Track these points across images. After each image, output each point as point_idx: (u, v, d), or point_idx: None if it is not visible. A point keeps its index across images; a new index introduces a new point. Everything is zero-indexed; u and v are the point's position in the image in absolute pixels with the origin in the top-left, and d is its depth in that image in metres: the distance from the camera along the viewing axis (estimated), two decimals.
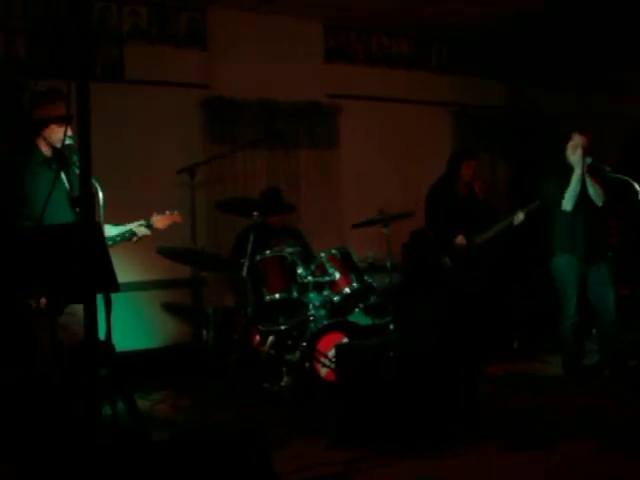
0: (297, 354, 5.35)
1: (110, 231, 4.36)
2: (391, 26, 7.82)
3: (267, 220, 6.16)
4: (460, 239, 6.36)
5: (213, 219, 6.75)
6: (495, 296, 6.80)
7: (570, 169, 5.63)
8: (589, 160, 5.57)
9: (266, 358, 5.47)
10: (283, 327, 5.59)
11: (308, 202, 7.37)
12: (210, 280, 6.69)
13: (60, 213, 3.94)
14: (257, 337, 5.70)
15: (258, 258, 5.49)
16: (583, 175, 5.58)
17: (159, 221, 4.70)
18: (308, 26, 7.48)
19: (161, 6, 6.71)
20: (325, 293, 5.67)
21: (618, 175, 5.52)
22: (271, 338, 5.57)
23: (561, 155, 5.74)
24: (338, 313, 5.70)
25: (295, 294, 5.48)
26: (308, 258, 5.87)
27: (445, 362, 4.41)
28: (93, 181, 2.77)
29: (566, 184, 5.61)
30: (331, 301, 5.64)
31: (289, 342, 5.54)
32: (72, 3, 2.72)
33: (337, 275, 5.62)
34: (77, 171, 3.75)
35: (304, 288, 5.58)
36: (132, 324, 6.08)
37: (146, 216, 4.59)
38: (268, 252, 5.58)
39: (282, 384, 5.32)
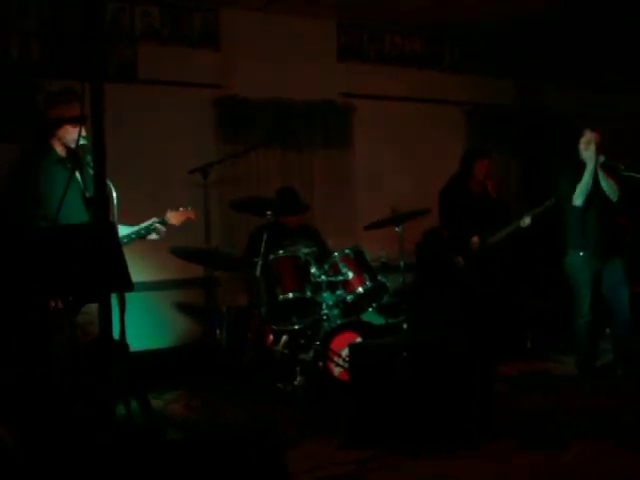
0: (310, 353, 5.35)
1: (124, 230, 4.37)
2: (404, 25, 7.81)
3: (281, 220, 6.16)
4: (475, 239, 6.35)
5: (226, 219, 6.76)
6: (508, 296, 6.78)
7: (582, 166, 5.61)
8: (602, 159, 5.55)
9: (279, 358, 5.47)
10: (296, 326, 5.59)
11: (321, 201, 7.37)
12: (223, 280, 6.70)
13: (75, 213, 3.95)
14: (270, 336, 5.70)
15: (271, 258, 5.49)
16: (595, 171, 5.57)
17: (173, 217, 4.71)
18: (321, 25, 7.48)
19: (173, 7, 6.73)
20: (338, 292, 5.66)
21: (632, 173, 5.50)
22: (284, 337, 5.57)
23: (573, 152, 5.72)
24: (351, 312, 5.69)
25: (308, 293, 5.48)
26: (324, 258, 5.87)
27: (459, 362, 4.39)
28: (107, 181, 2.78)
29: (578, 181, 5.59)
30: (344, 300, 5.63)
31: (302, 341, 5.54)
32: (85, 4, 2.73)
33: (350, 275, 5.62)
34: (91, 171, 3.77)
35: (317, 288, 5.58)
36: (146, 324, 6.10)
37: (161, 215, 4.60)
38: (281, 252, 5.58)
39: (295, 383, 5.32)
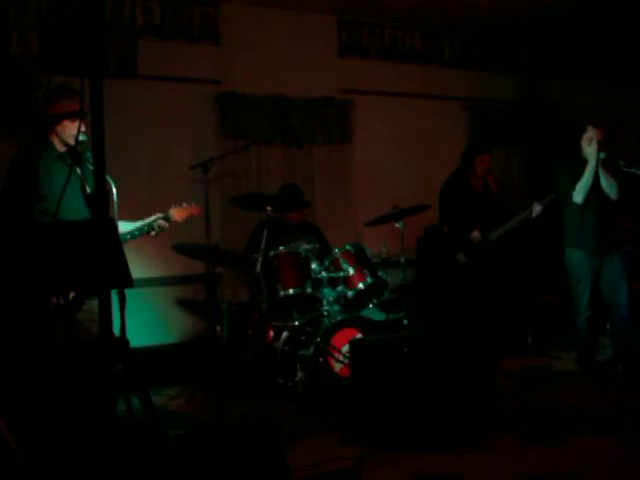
0: (311, 350, 5.35)
1: (127, 227, 4.37)
2: (404, 21, 7.80)
3: (282, 216, 6.16)
4: (475, 234, 6.35)
5: (227, 215, 6.76)
6: (509, 291, 6.78)
7: (583, 162, 5.60)
8: (603, 155, 5.53)
9: (280, 354, 5.47)
10: (297, 323, 5.59)
11: (322, 197, 7.37)
12: (224, 276, 6.71)
13: (75, 209, 3.95)
14: (271, 333, 5.71)
15: (272, 254, 5.49)
16: (596, 168, 5.56)
17: (177, 214, 4.70)
18: (322, 21, 7.47)
19: (174, 1, 6.72)
20: (339, 289, 5.66)
21: (633, 169, 5.49)
22: (285, 334, 5.57)
23: (575, 148, 5.71)
24: (352, 308, 5.69)
25: (309, 290, 5.47)
26: (326, 254, 5.87)
27: (460, 357, 4.39)
28: (107, 177, 2.77)
29: (579, 177, 5.59)
30: (345, 296, 5.63)
31: (303, 338, 5.54)
32: None
33: (351, 271, 5.61)
34: (91, 167, 3.76)
35: (318, 284, 5.58)
36: (147, 320, 6.11)
37: (162, 211, 4.60)
38: (282, 248, 5.58)
39: (296, 380, 5.32)
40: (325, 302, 5.61)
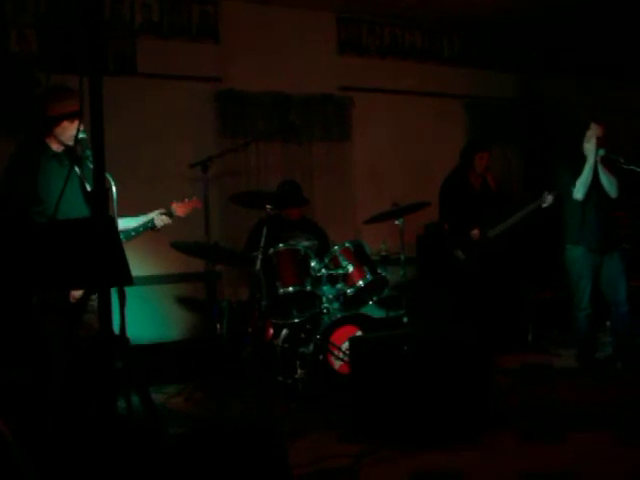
0: (311, 347, 5.35)
1: (130, 223, 4.38)
2: (403, 18, 7.80)
3: (282, 213, 6.16)
4: (475, 232, 6.35)
5: (227, 212, 6.76)
6: (509, 288, 6.78)
7: (584, 159, 5.60)
8: (602, 152, 5.53)
9: (280, 351, 5.48)
10: (297, 320, 5.59)
11: (321, 195, 7.37)
12: (224, 274, 6.71)
13: (75, 209, 3.95)
14: (271, 330, 5.71)
15: (271, 251, 5.49)
16: (596, 165, 5.56)
17: (179, 208, 4.71)
18: (321, 18, 7.48)
19: None
20: (339, 286, 5.66)
21: (632, 166, 5.49)
22: (285, 331, 5.58)
23: (575, 145, 5.71)
24: (352, 306, 5.69)
25: (309, 287, 5.47)
26: (326, 250, 5.87)
27: (459, 355, 4.40)
28: (106, 175, 2.78)
29: (579, 174, 5.59)
30: (345, 294, 5.63)
31: (303, 335, 5.54)
32: None
33: (350, 268, 5.61)
34: (90, 166, 3.76)
35: (318, 281, 5.58)
36: (146, 318, 6.11)
37: (162, 207, 4.61)
38: (281, 245, 5.58)
39: (296, 377, 5.32)
40: (325, 299, 5.61)
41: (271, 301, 5.49)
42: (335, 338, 5.37)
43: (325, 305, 5.60)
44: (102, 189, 2.61)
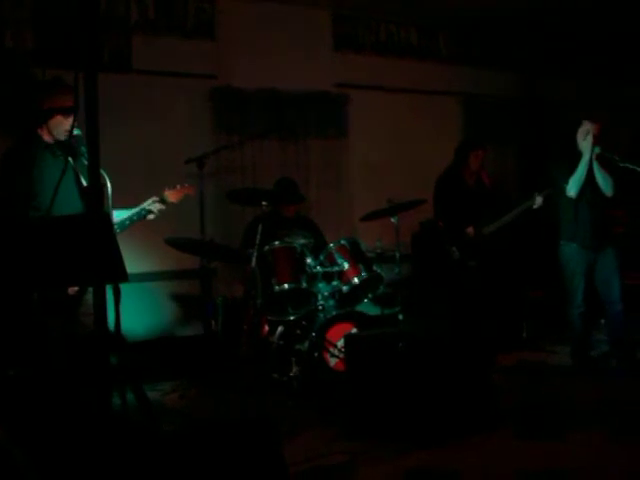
0: (306, 344, 5.35)
1: (123, 214, 4.37)
2: (400, 15, 7.79)
3: (278, 210, 6.16)
4: (470, 230, 6.35)
5: (222, 209, 6.75)
6: (504, 286, 6.79)
7: (579, 157, 5.61)
8: (597, 150, 5.53)
9: (275, 348, 5.48)
10: (292, 317, 5.59)
11: (317, 192, 7.37)
12: (219, 271, 6.70)
13: (70, 203, 3.94)
14: (266, 327, 5.71)
15: (267, 248, 5.48)
16: (591, 162, 5.56)
17: (172, 195, 4.71)
18: (317, 15, 7.46)
19: None
20: (334, 283, 5.66)
21: (627, 164, 5.49)
22: (280, 328, 5.57)
23: (570, 143, 5.71)
24: (347, 303, 5.70)
25: (304, 284, 5.47)
26: (322, 246, 5.87)
27: (455, 352, 4.40)
28: (101, 172, 2.77)
29: (573, 171, 5.59)
30: (340, 291, 5.64)
31: (298, 332, 5.54)
32: None
33: (346, 265, 5.61)
34: (85, 162, 3.75)
35: (313, 278, 5.58)
36: (141, 315, 6.10)
37: (155, 197, 4.61)
38: (277, 242, 5.57)
39: (291, 374, 5.33)
40: (320, 297, 5.61)
41: (266, 298, 5.49)
42: (330, 335, 5.38)
43: (320, 302, 5.61)
44: (97, 185, 2.61)
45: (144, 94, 6.50)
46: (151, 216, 4.51)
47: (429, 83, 8.03)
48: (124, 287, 3.28)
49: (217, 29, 6.93)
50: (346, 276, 5.62)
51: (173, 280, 6.68)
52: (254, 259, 5.17)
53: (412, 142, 7.84)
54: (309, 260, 5.56)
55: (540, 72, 8.60)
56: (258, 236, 5.16)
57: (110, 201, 3.49)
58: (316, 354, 5.30)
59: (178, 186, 4.78)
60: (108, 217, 2.95)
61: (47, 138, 4.12)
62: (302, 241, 5.77)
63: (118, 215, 4.29)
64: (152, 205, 4.49)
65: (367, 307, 5.82)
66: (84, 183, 4.02)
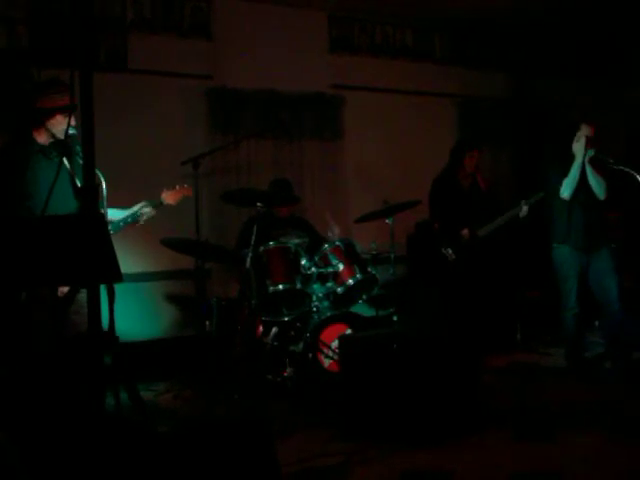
0: (300, 345, 5.35)
1: (117, 214, 4.37)
2: (395, 17, 7.80)
3: (273, 210, 6.15)
4: (465, 231, 6.36)
5: (217, 210, 6.75)
6: (498, 288, 6.79)
7: (573, 159, 5.61)
8: (591, 152, 5.54)
9: (269, 349, 5.47)
10: (286, 318, 5.59)
11: (312, 193, 7.37)
12: (214, 271, 6.69)
13: (64, 203, 3.93)
14: (260, 328, 5.70)
15: (261, 249, 5.48)
16: (584, 164, 5.57)
17: (169, 197, 4.70)
18: (312, 16, 7.47)
19: None
20: (329, 284, 5.66)
21: (621, 167, 5.49)
22: (274, 329, 5.56)
23: (564, 146, 5.72)
24: (341, 304, 5.69)
25: (299, 285, 5.47)
26: (318, 245, 5.87)
27: (448, 354, 4.40)
28: (96, 171, 2.76)
29: (567, 174, 5.60)
30: (334, 292, 5.63)
31: (292, 333, 5.54)
32: None
33: (341, 266, 5.61)
34: (80, 161, 3.75)
35: (308, 279, 5.58)
36: (136, 315, 6.08)
37: (153, 200, 4.60)
38: (272, 243, 5.57)
39: (285, 375, 5.32)
40: (314, 298, 5.61)
41: (261, 299, 5.48)
42: (325, 336, 5.37)
43: (315, 303, 5.61)
44: (92, 185, 2.61)
45: (140, 93, 6.49)
46: (141, 221, 4.49)
47: (424, 85, 8.04)
48: (119, 287, 3.28)
49: (213, 29, 6.93)
50: (341, 277, 5.62)
51: (168, 280, 6.67)
52: (249, 260, 5.17)
53: (407, 143, 7.84)
54: (304, 261, 5.56)
55: (535, 74, 8.62)
56: (253, 237, 5.16)
57: (105, 201, 3.49)
58: (310, 355, 5.30)
59: (177, 187, 4.78)
60: (102, 217, 2.95)
61: (42, 139, 4.11)
62: (297, 241, 5.77)
63: (113, 215, 4.29)
64: (142, 210, 4.48)
65: (361, 308, 5.82)
66: (79, 184, 4.01)
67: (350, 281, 5.59)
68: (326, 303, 5.69)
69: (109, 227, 3.87)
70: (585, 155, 5.54)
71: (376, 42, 7.90)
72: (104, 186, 3.53)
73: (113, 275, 2.74)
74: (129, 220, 4.40)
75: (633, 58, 8.48)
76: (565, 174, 5.60)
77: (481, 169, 6.72)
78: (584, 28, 7.95)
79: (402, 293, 6.42)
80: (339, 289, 5.61)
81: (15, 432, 3.33)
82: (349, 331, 5.44)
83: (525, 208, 6.06)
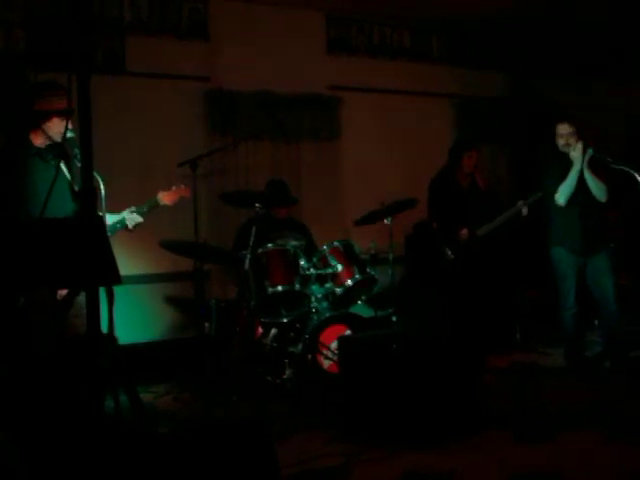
0: (300, 346, 5.34)
1: (113, 218, 4.36)
2: (393, 18, 7.80)
3: (271, 212, 6.15)
4: (464, 231, 6.36)
5: (215, 211, 6.75)
6: (497, 287, 6.79)
7: (568, 160, 5.59)
8: (591, 151, 5.51)
9: (268, 351, 5.47)
10: (285, 319, 5.58)
11: (310, 194, 7.35)
12: (213, 273, 6.69)
13: (62, 206, 3.93)
14: (259, 329, 5.70)
15: (260, 251, 5.48)
16: (582, 171, 5.54)
17: (166, 197, 4.69)
18: (310, 17, 7.47)
19: None
20: (327, 285, 5.66)
21: (620, 166, 5.48)
22: (273, 330, 5.56)
23: (556, 146, 5.71)
24: (340, 305, 5.69)
25: (297, 286, 5.46)
26: (311, 250, 5.87)
27: (448, 354, 4.40)
28: (95, 174, 2.76)
29: (564, 176, 5.58)
30: (333, 293, 5.63)
31: (291, 334, 5.54)
32: None
33: (339, 267, 5.61)
34: (78, 164, 3.74)
35: (306, 280, 5.57)
36: (135, 317, 6.08)
37: (148, 200, 4.59)
38: (270, 245, 5.57)
39: (284, 377, 5.32)
40: (313, 299, 5.60)
41: (260, 300, 5.48)
42: (324, 337, 5.37)
43: (314, 304, 5.60)
44: (90, 188, 2.61)
45: (137, 96, 6.49)
46: (129, 227, 4.46)
47: (422, 85, 8.04)
48: (118, 289, 3.28)
49: (211, 31, 6.93)
50: (340, 278, 5.61)
51: (166, 282, 6.66)
52: (247, 261, 5.17)
53: (405, 144, 7.84)
54: (302, 262, 5.55)
55: (534, 73, 8.62)
56: (252, 238, 5.16)
57: (103, 204, 3.49)
58: (310, 356, 5.29)
59: (173, 187, 4.77)
60: (101, 219, 2.95)
61: (38, 142, 4.10)
62: (295, 243, 5.77)
63: (110, 218, 4.28)
64: (129, 216, 4.45)
65: (361, 309, 5.82)
66: (76, 188, 4.00)
67: (349, 282, 5.59)
68: (325, 304, 5.69)
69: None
70: (583, 161, 5.52)
71: (374, 43, 7.90)
72: (102, 188, 3.53)
73: (112, 278, 2.74)
74: (118, 226, 4.39)
75: (633, 58, 8.48)
76: (559, 176, 5.58)
77: (480, 169, 6.72)
78: (584, 28, 7.95)
79: (401, 293, 6.42)
80: (338, 290, 5.61)
81: (15, 432, 3.33)
82: (348, 332, 5.43)
83: (525, 209, 6.06)
